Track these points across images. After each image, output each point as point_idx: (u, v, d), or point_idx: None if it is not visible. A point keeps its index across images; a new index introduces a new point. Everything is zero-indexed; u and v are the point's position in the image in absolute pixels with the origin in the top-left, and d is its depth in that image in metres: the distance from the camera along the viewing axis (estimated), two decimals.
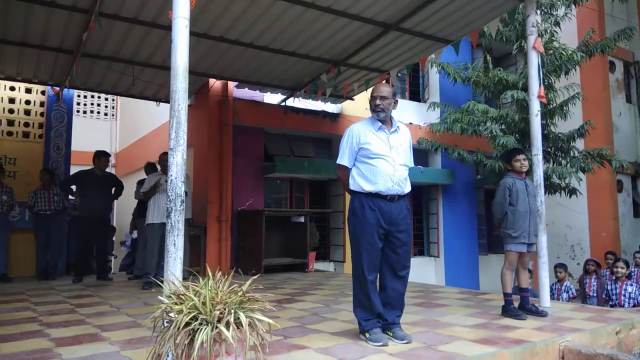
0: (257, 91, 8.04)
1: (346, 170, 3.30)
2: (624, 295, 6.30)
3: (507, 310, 4.03)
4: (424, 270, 10.09)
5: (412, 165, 3.40)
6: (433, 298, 5.01)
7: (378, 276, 3.26)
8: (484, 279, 10.75)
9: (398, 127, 3.33)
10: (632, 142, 12.30)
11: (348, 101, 8.56)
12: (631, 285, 6.39)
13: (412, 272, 3.61)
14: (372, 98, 3.26)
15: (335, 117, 9.01)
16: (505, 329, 3.54)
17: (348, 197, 3.36)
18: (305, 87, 7.60)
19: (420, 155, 10.44)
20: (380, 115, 3.23)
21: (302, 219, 7.85)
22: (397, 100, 3.32)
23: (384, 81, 6.80)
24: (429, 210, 10.88)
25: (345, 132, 3.35)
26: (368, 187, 3.16)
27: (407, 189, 3.27)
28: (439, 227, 10.55)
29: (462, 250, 10.65)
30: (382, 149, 3.19)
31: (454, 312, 4.21)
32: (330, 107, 8.98)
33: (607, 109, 11.55)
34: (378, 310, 3.15)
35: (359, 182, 3.21)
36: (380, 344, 3.01)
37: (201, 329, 1.78)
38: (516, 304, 4.12)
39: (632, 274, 7.41)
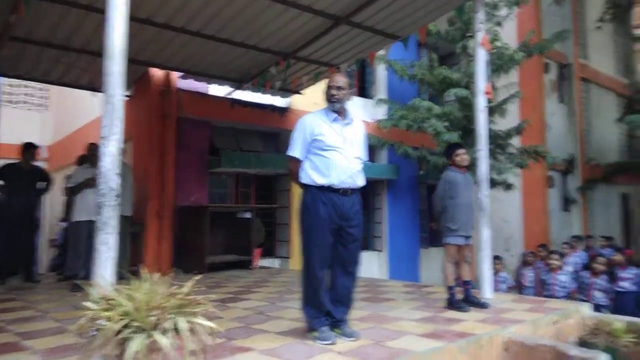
0: (204, 83, 7.73)
1: (297, 163, 3.19)
2: (557, 285, 6.64)
3: (451, 303, 4.10)
4: (368, 264, 10.15)
5: (366, 159, 3.35)
6: (379, 292, 5.02)
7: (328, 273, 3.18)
8: (424, 271, 10.99)
9: (352, 119, 3.26)
10: (562, 140, 13.08)
11: (297, 95, 8.43)
12: (564, 275, 6.75)
13: None
14: (329, 88, 3.18)
15: (283, 111, 8.84)
16: (451, 322, 3.58)
17: (295, 192, 3.26)
18: (253, 80, 7.38)
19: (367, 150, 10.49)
20: (336, 105, 3.16)
21: (248, 215, 7.65)
22: (351, 92, 3.27)
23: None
24: (374, 205, 10.98)
25: (297, 122, 3.23)
26: (321, 180, 3.06)
27: (361, 182, 3.21)
28: (383, 222, 10.68)
29: (404, 244, 10.84)
30: (336, 141, 3.11)
31: (400, 306, 4.22)
32: (278, 101, 8.80)
33: (542, 108, 12.19)
34: (327, 307, 3.08)
35: (311, 175, 3.10)
36: (329, 342, 2.94)
37: (134, 337, 1.61)
38: (460, 297, 4.20)
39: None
